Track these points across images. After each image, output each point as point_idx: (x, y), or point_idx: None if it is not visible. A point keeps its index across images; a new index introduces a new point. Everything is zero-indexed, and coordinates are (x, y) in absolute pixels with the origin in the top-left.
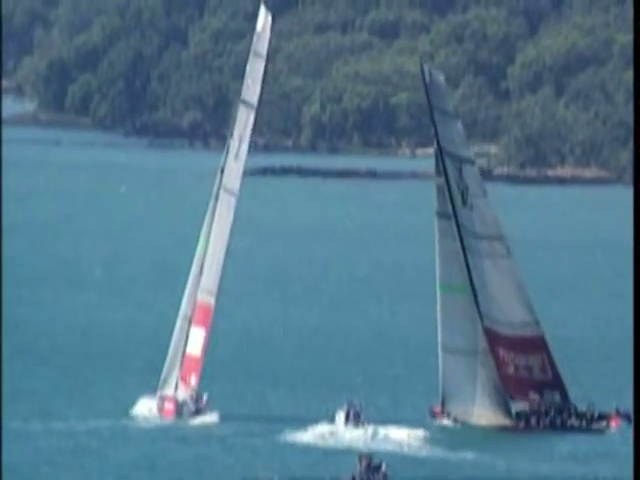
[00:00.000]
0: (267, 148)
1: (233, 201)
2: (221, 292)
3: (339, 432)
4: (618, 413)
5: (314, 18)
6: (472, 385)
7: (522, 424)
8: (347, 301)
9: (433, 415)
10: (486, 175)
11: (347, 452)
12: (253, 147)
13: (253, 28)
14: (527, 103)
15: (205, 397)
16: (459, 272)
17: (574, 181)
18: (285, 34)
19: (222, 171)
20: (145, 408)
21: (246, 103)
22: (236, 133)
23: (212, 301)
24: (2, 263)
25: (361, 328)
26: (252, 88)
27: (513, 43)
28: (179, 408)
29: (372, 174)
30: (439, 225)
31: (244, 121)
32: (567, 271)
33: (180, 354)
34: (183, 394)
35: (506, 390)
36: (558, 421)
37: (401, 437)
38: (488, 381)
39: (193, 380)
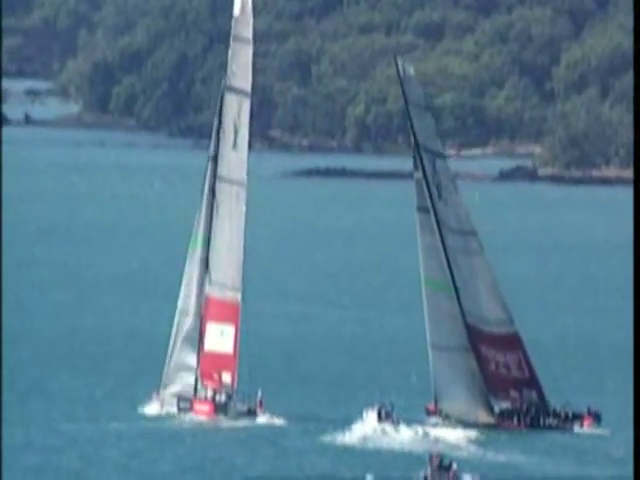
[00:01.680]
0: (311, 149)
1: (242, 192)
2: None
3: (388, 432)
4: (589, 413)
5: (358, 19)
6: (459, 382)
7: (505, 422)
8: (393, 305)
9: (428, 413)
10: (531, 175)
11: (399, 453)
12: (297, 148)
13: (298, 29)
14: (572, 104)
15: (259, 394)
16: (440, 268)
17: (619, 182)
18: (329, 35)
19: (214, 160)
20: (155, 407)
21: (234, 90)
22: (228, 122)
23: (238, 297)
24: (2, 264)
25: (409, 331)
26: (240, 74)
27: (558, 44)
28: (219, 408)
29: None
30: (419, 220)
31: (236, 109)
32: (612, 272)
33: (188, 350)
34: (218, 393)
35: (488, 388)
36: (537, 420)
37: (453, 438)
38: (472, 378)
39: (226, 378)
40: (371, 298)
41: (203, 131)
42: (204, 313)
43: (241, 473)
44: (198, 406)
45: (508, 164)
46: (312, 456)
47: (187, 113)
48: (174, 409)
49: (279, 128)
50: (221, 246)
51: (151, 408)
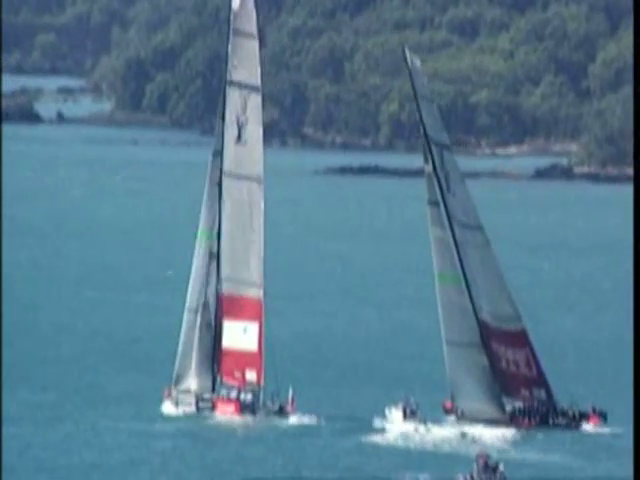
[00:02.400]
0: (345, 147)
1: (256, 188)
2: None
3: (422, 431)
4: (594, 412)
5: (392, 16)
6: (471, 379)
7: (516, 421)
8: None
9: (445, 410)
10: (567, 173)
11: (435, 453)
12: (330, 145)
13: (331, 26)
14: (608, 102)
15: (291, 393)
16: (451, 262)
17: None
18: (363, 32)
19: (219, 155)
20: (170, 407)
21: (236, 84)
22: (230, 116)
23: (260, 294)
24: (2, 263)
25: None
26: (242, 68)
27: (594, 41)
28: (246, 407)
29: None
30: (430, 213)
31: (239, 103)
32: None
33: (201, 347)
34: (243, 392)
35: (501, 386)
36: (546, 419)
37: (491, 438)
38: (484, 375)
39: (251, 376)
40: (401, 296)
41: None
42: (220, 310)
43: (281, 474)
44: (222, 405)
45: (544, 162)
46: (354, 456)
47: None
48: (191, 408)
49: (312, 125)
50: (235, 243)
51: (167, 407)
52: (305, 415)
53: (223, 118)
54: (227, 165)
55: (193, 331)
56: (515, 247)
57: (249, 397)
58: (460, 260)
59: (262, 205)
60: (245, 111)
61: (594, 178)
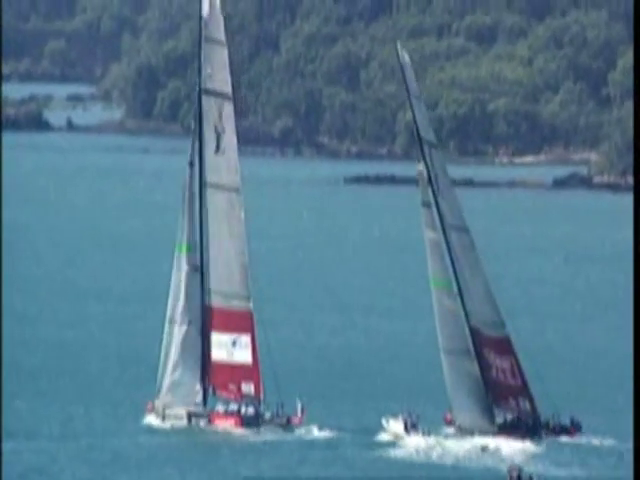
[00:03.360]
0: (360, 156)
1: (236, 198)
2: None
3: (442, 446)
4: (572, 423)
5: (409, 23)
6: (463, 389)
7: (504, 433)
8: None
9: (446, 423)
10: (586, 183)
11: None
12: (346, 154)
13: (346, 33)
14: (628, 109)
15: (300, 405)
16: (442, 265)
17: None
18: (379, 39)
19: (192, 165)
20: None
21: (212, 93)
22: (208, 126)
23: (249, 306)
24: (2, 262)
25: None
26: (216, 77)
27: (614, 48)
28: (248, 421)
29: (469, 182)
30: (424, 215)
31: (216, 113)
32: None
33: (185, 360)
34: (243, 405)
35: (492, 396)
36: (533, 431)
37: (511, 451)
38: (477, 385)
39: (247, 389)
40: (417, 306)
41: (249, 137)
42: (207, 323)
43: None
44: (221, 419)
45: (562, 172)
46: (379, 471)
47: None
48: (181, 423)
49: (327, 134)
50: (219, 255)
51: (151, 420)
52: (314, 427)
53: (200, 128)
54: (209, 176)
55: (178, 344)
56: (539, 257)
57: (250, 410)
58: (452, 263)
59: (242, 215)
60: (221, 120)
61: (614, 187)
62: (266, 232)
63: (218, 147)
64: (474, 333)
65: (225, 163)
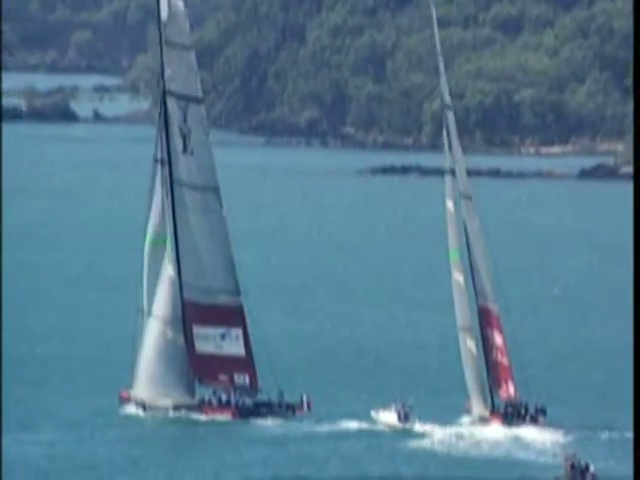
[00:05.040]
0: (387, 146)
1: (212, 196)
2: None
3: (467, 435)
4: (537, 410)
5: (435, 12)
6: (468, 371)
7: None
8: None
9: (466, 411)
10: (613, 173)
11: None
12: (372, 145)
13: (372, 24)
14: None
15: (305, 398)
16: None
17: None
18: (405, 30)
19: (161, 163)
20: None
21: (174, 94)
22: (172, 127)
23: (237, 300)
24: (2, 262)
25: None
26: (178, 80)
27: None
28: (244, 411)
29: (495, 173)
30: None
31: (179, 114)
32: None
33: (165, 352)
34: (234, 396)
35: (489, 378)
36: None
37: (540, 442)
38: (478, 366)
39: (240, 380)
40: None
41: (275, 128)
42: (187, 317)
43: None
44: (214, 410)
45: (589, 162)
46: (412, 464)
47: (259, 110)
48: (166, 414)
49: (353, 125)
50: (196, 252)
51: (131, 410)
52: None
53: (166, 127)
54: (177, 174)
55: (153, 335)
56: (565, 247)
57: (247, 401)
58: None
59: (223, 213)
60: (186, 121)
61: None
62: (294, 223)
63: (185, 147)
64: (482, 311)
65: (195, 163)
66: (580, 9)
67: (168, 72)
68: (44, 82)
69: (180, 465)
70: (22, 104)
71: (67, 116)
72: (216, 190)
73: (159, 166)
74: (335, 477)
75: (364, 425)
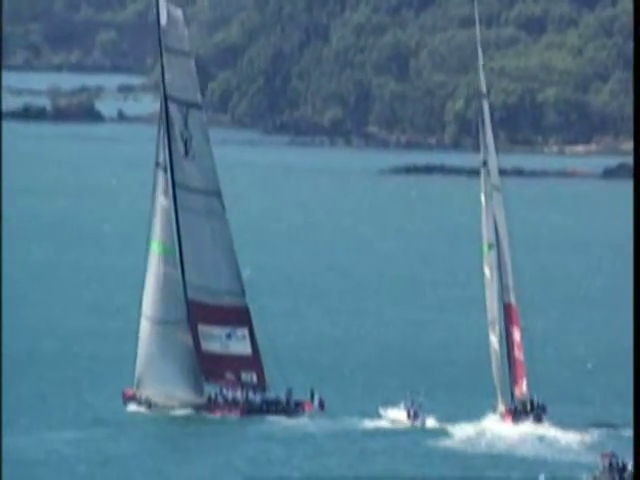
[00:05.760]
0: (410, 146)
1: (214, 200)
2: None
3: (488, 435)
4: (534, 408)
5: (458, 12)
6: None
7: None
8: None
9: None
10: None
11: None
12: (395, 144)
13: (396, 23)
14: None
15: (317, 397)
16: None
17: None
18: (428, 29)
19: (162, 167)
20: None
21: (175, 100)
22: (174, 131)
23: (241, 301)
24: (2, 262)
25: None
26: (178, 85)
27: None
28: (254, 407)
29: (518, 172)
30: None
31: (180, 119)
32: None
33: (171, 350)
34: (242, 393)
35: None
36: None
37: (564, 441)
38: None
39: (248, 377)
40: (457, 296)
41: (299, 127)
42: (192, 316)
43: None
44: (220, 409)
45: (612, 161)
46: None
47: (283, 109)
48: (173, 412)
49: (377, 124)
50: (200, 254)
51: (135, 408)
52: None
53: (168, 131)
54: (180, 178)
55: (157, 339)
56: (587, 248)
57: (255, 398)
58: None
59: (225, 216)
60: (187, 126)
61: None
62: (318, 222)
63: (187, 152)
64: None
65: (196, 168)
66: (603, 8)
67: (168, 77)
68: (69, 82)
69: (190, 462)
70: (47, 104)
71: (92, 115)
72: (218, 194)
73: (160, 170)
74: (357, 475)
75: (384, 423)
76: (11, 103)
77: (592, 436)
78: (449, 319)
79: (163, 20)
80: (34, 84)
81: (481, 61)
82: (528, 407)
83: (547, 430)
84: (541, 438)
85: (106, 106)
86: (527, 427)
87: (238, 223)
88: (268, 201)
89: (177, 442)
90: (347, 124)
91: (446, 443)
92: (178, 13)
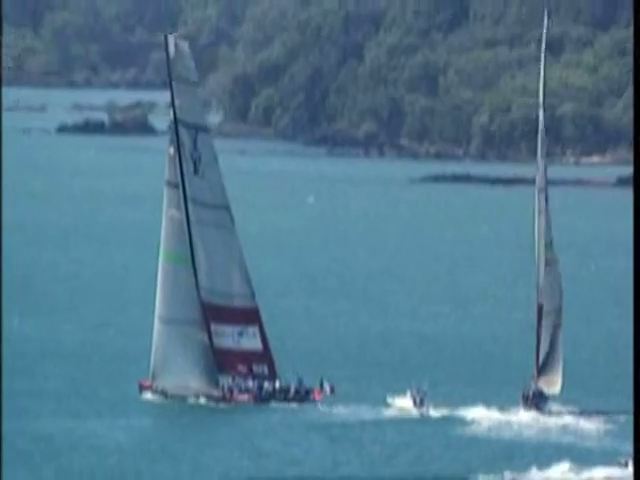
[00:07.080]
0: (438, 156)
1: (223, 214)
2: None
3: (513, 423)
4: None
5: (484, 34)
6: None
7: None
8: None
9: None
10: None
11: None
12: (425, 155)
13: (425, 44)
14: None
15: (327, 386)
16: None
17: None
18: (456, 49)
19: (171, 184)
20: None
21: (183, 123)
22: (184, 150)
23: (252, 303)
24: (2, 263)
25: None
26: (187, 110)
27: None
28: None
29: None
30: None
31: (189, 141)
32: None
33: (184, 344)
34: (252, 381)
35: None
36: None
37: (586, 428)
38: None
39: (259, 369)
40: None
41: (336, 140)
42: (205, 315)
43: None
44: (235, 397)
45: (626, 171)
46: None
47: (321, 123)
48: (188, 401)
49: (408, 136)
50: (212, 261)
51: (150, 397)
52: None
53: (179, 151)
54: (190, 192)
55: (171, 338)
56: (606, 252)
57: (267, 385)
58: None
59: (234, 228)
60: (196, 147)
61: None
62: (355, 227)
63: (196, 171)
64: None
65: (207, 184)
66: (617, 30)
67: (178, 103)
68: (125, 98)
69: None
70: (105, 118)
71: (145, 129)
72: (227, 208)
73: (170, 188)
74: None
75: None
76: (73, 118)
77: (606, 424)
78: (484, 313)
79: (171, 51)
80: (94, 100)
81: (542, 77)
82: (530, 395)
83: (570, 418)
84: (565, 426)
85: (158, 120)
86: (550, 415)
87: (288, 223)
88: (308, 208)
89: (192, 428)
90: (381, 137)
91: (471, 429)
92: (185, 46)
